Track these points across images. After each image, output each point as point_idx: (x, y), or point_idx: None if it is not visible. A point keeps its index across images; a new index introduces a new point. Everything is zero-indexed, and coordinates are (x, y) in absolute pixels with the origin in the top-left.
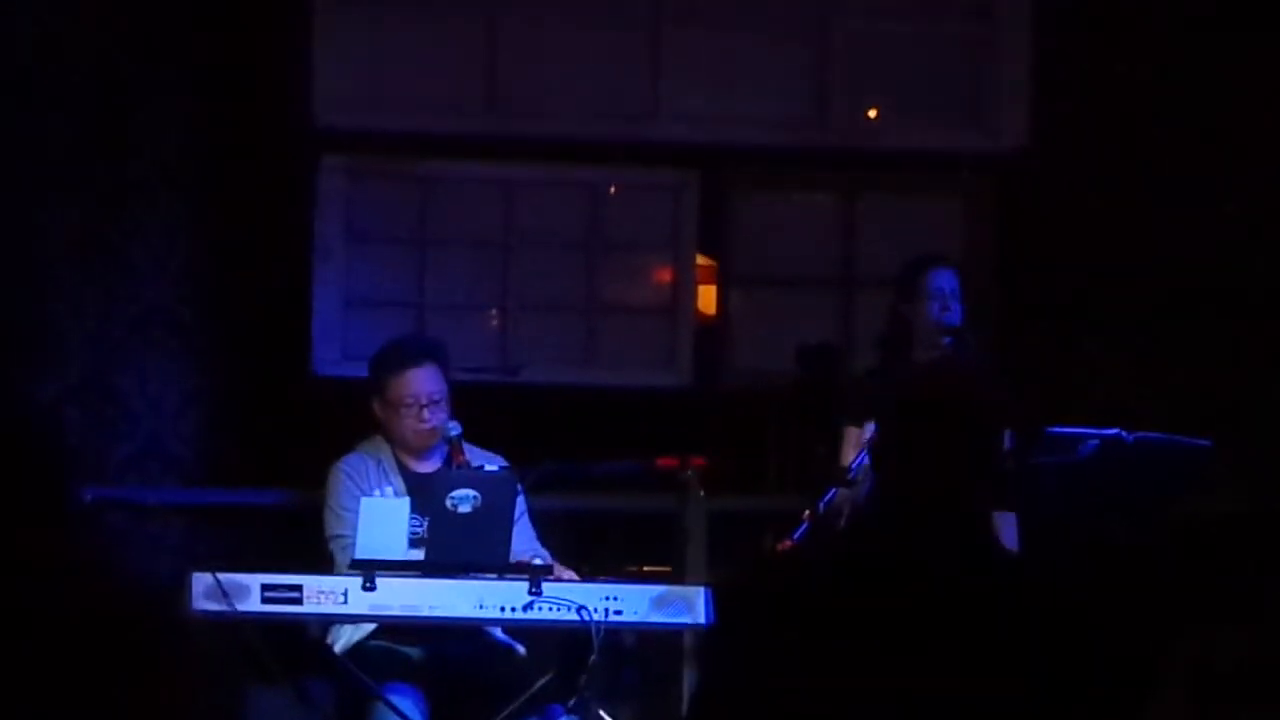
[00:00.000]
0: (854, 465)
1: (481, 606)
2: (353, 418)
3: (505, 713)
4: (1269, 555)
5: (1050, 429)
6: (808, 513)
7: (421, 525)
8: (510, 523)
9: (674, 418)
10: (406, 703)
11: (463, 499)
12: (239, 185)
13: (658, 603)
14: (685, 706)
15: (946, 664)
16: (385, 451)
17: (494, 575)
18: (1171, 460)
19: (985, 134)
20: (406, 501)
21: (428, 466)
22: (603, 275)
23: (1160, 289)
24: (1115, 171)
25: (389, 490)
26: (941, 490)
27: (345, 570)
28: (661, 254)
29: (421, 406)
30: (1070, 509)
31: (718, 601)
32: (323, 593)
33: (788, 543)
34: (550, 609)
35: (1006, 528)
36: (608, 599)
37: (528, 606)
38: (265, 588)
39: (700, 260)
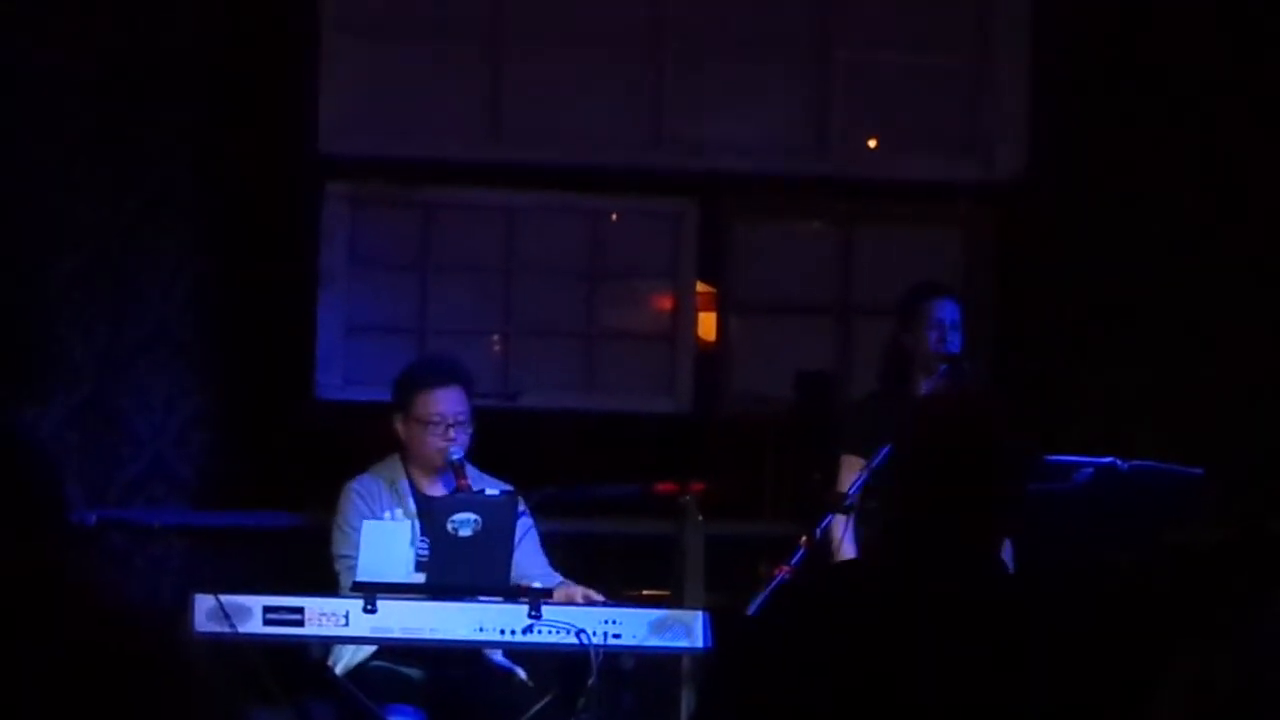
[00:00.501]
0: (851, 491)
1: (481, 629)
2: (355, 441)
3: None
4: (1259, 582)
5: (1046, 456)
6: (805, 538)
7: (428, 548)
8: (511, 546)
9: (673, 443)
10: None
11: (463, 523)
12: (244, 211)
13: (656, 627)
14: None
15: (951, 684)
16: (400, 473)
17: (494, 598)
18: (1165, 488)
19: (982, 164)
20: (408, 524)
21: (440, 489)
22: (603, 302)
23: (1155, 319)
24: (1111, 202)
25: (399, 512)
26: (960, 518)
27: (349, 590)
28: (661, 281)
29: (447, 426)
30: (1065, 535)
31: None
32: (324, 615)
33: (784, 568)
34: (549, 632)
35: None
36: (606, 623)
37: (527, 629)
38: (267, 609)
39: (700, 287)
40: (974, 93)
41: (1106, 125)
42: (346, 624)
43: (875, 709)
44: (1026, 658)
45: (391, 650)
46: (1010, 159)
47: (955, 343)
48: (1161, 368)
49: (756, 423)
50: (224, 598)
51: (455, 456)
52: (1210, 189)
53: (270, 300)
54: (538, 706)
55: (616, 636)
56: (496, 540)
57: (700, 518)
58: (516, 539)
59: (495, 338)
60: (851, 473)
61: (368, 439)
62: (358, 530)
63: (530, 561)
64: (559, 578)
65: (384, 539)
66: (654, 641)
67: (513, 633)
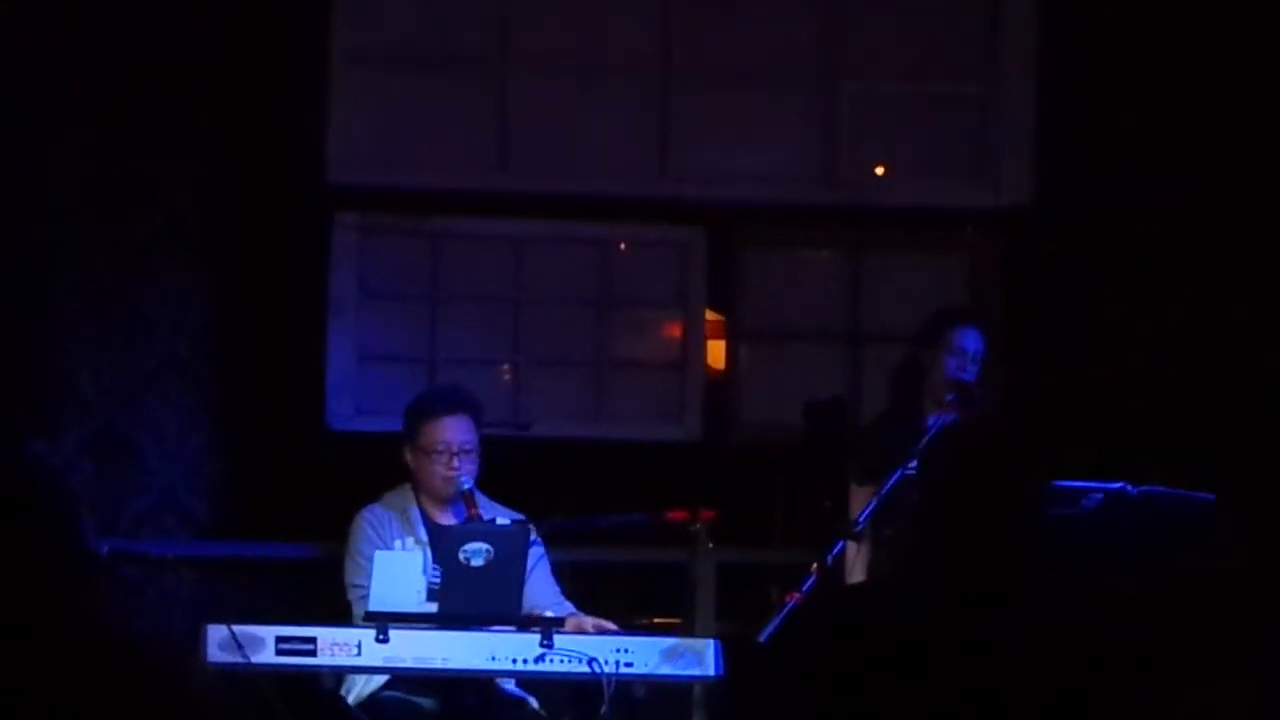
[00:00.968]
0: (861, 518)
1: (493, 659)
2: (366, 471)
3: None
4: (1271, 610)
5: (1055, 482)
6: (815, 565)
7: (439, 577)
8: (523, 576)
9: (683, 471)
10: None
11: (475, 552)
12: (254, 241)
13: (668, 655)
14: None
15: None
16: (411, 502)
17: (506, 628)
18: (1175, 514)
19: (991, 191)
20: (419, 554)
21: (452, 518)
22: (613, 330)
23: (1163, 344)
24: (1119, 228)
25: (410, 541)
26: (982, 546)
27: (361, 620)
28: (670, 309)
29: (453, 455)
30: (1075, 562)
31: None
32: (337, 644)
33: (796, 594)
34: (561, 661)
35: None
36: (618, 651)
37: (539, 659)
38: (280, 639)
39: (709, 315)
40: (981, 120)
41: (1113, 152)
42: (359, 654)
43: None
44: (1043, 684)
45: (404, 680)
46: (1017, 185)
47: (973, 373)
48: (1170, 393)
49: (766, 450)
50: (236, 628)
51: (466, 486)
52: (1217, 214)
53: (280, 330)
54: None
55: (628, 665)
56: (508, 569)
57: (711, 545)
58: (528, 568)
59: (505, 367)
60: (861, 501)
61: (379, 469)
62: (370, 560)
63: (542, 590)
64: (570, 607)
65: (396, 569)
66: (666, 670)
67: (525, 662)
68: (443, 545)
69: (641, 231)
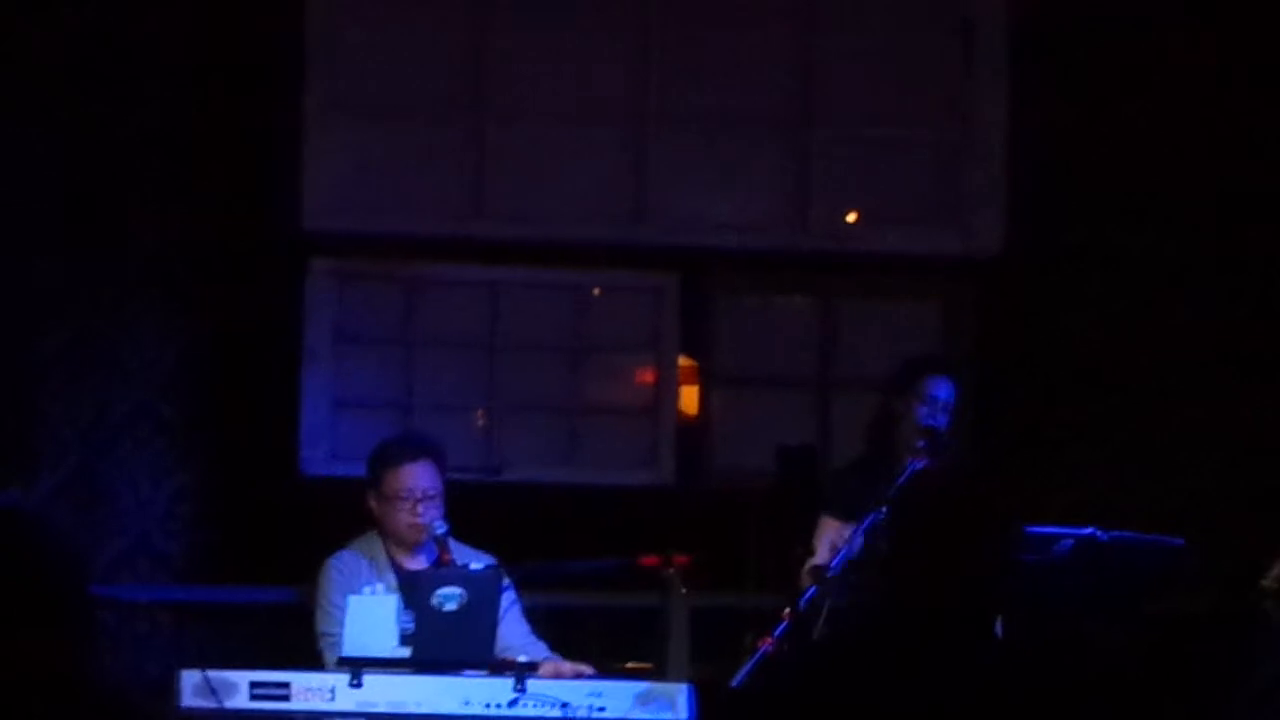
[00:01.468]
0: (834, 564)
1: (467, 703)
2: (341, 517)
3: None
4: (1239, 654)
5: (1026, 528)
6: (788, 610)
7: (412, 621)
8: (495, 620)
9: (656, 516)
10: None
11: (449, 597)
12: (229, 287)
13: (641, 699)
14: None
15: None
16: (378, 548)
17: (479, 672)
18: (1145, 559)
19: (962, 238)
20: (394, 599)
21: (420, 564)
22: (586, 376)
23: (1133, 390)
24: (1090, 275)
25: (380, 587)
26: (962, 590)
27: (333, 668)
28: (644, 355)
29: (416, 501)
30: (1046, 607)
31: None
32: (311, 689)
33: (768, 639)
34: (535, 705)
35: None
36: (591, 695)
37: (513, 703)
38: (254, 685)
39: (682, 361)
40: (953, 166)
41: (1085, 197)
42: (333, 699)
43: None
44: None
45: None
46: (989, 232)
47: (944, 421)
48: (1140, 439)
49: (739, 495)
50: (211, 673)
51: (440, 531)
52: (1188, 259)
53: (255, 376)
54: None
55: (601, 709)
56: (481, 614)
57: (684, 590)
58: (500, 612)
59: (479, 412)
60: (827, 533)
61: (354, 514)
62: (340, 608)
63: (513, 633)
64: (544, 647)
65: (369, 613)
66: (639, 714)
67: (498, 706)
68: (416, 590)
69: (615, 277)
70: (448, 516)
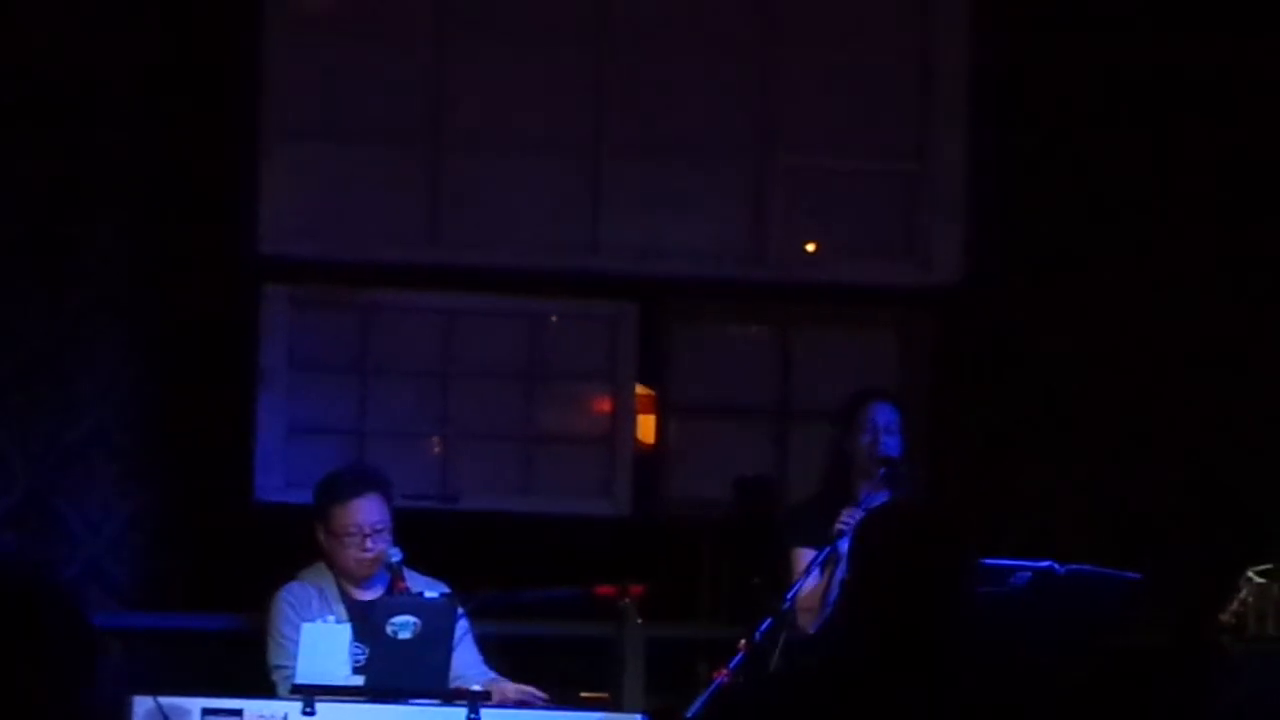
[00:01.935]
0: (789, 596)
1: None
2: (295, 544)
3: None
4: (1195, 689)
5: (982, 560)
6: (744, 642)
7: (364, 653)
8: (450, 649)
9: (612, 546)
10: None
11: (403, 625)
12: (183, 312)
13: None
14: None
15: None
16: (328, 579)
17: (432, 701)
18: (1102, 593)
19: (920, 268)
20: (348, 627)
21: (370, 594)
22: (542, 404)
23: (1092, 422)
24: (1048, 305)
25: (330, 619)
26: (919, 623)
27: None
28: (600, 384)
29: (365, 536)
30: (1002, 639)
31: None
32: (263, 716)
33: (724, 670)
34: None
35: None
36: None
37: None
38: (206, 711)
39: (639, 390)
40: (912, 196)
41: (1043, 229)
42: None
43: None
44: None
45: None
46: (947, 262)
47: (892, 446)
48: (1098, 471)
49: (695, 526)
50: (163, 699)
51: (395, 559)
52: (1148, 292)
53: (209, 402)
54: None
55: None
56: (436, 642)
57: (639, 620)
58: (454, 641)
59: (434, 440)
60: (804, 564)
61: (308, 541)
62: (292, 640)
63: (466, 662)
64: (493, 674)
65: (323, 641)
66: None
67: None
68: (370, 618)
69: (572, 306)
70: (401, 544)
